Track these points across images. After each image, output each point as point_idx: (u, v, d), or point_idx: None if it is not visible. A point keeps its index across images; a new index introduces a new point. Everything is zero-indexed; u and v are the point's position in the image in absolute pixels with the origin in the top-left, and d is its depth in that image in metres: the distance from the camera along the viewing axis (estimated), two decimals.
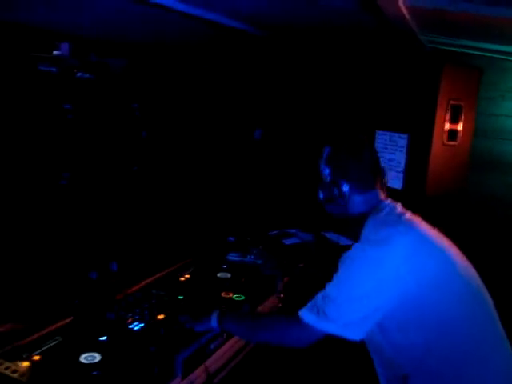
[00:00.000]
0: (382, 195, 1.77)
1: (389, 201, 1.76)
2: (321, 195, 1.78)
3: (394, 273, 1.52)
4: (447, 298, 1.56)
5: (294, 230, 3.40)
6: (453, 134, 2.92)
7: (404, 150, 2.85)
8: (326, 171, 1.74)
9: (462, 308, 1.58)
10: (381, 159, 2.90)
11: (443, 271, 1.58)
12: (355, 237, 1.66)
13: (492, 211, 3.24)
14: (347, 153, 1.74)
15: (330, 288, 1.60)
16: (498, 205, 3.23)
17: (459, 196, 3.13)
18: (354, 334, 1.56)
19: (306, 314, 1.61)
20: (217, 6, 2.33)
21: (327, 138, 1.80)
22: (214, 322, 1.89)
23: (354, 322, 1.55)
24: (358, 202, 1.72)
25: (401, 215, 1.68)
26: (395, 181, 2.89)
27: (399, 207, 1.73)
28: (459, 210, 3.12)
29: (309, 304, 1.63)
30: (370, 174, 1.75)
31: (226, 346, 2.07)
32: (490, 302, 1.66)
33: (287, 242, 3.23)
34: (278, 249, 3.06)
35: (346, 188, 1.70)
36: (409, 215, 1.69)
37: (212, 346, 1.98)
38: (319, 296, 1.61)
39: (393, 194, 2.83)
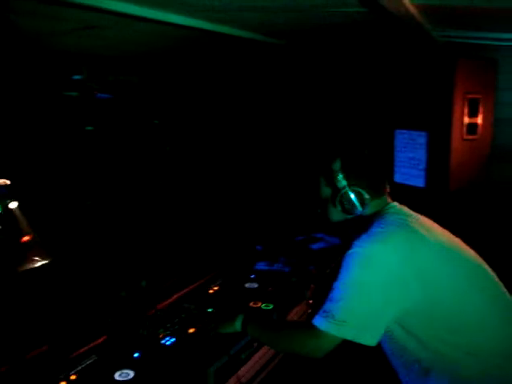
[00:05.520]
0: (389, 199, 1.82)
1: (394, 203, 1.80)
2: (336, 203, 1.77)
3: (389, 267, 1.54)
4: (453, 286, 1.58)
5: (320, 235, 3.39)
6: (472, 127, 2.90)
7: (424, 147, 2.84)
8: (341, 182, 1.74)
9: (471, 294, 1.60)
10: (401, 158, 2.93)
11: (442, 263, 1.60)
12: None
13: None
14: (361, 161, 1.78)
15: (334, 290, 1.62)
16: None
17: (483, 188, 3.10)
18: (367, 338, 1.56)
19: (317, 320, 1.62)
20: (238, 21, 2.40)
21: (336, 147, 1.81)
22: (238, 325, 1.93)
23: (365, 323, 1.56)
24: (370, 207, 1.75)
25: (400, 216, 1.71)
26: (417, 179, 2.87)
27: (403, 209, 1.77)
28: (483, 202, 3.08)
29: (320, 309, 1.64)
30: (381, 179, 1.80)
31: (257, 356, 2.10)
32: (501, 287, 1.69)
33: (314, 246, 3.23)
34: (305, 254, 3.06)
35: (364, 193, 1.72)
36: (410, 217, 1.72)
37: (243, 356, 2.00)
38: (327, 299, 1.63)
39: (415, 192, 2.84)
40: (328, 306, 1.61)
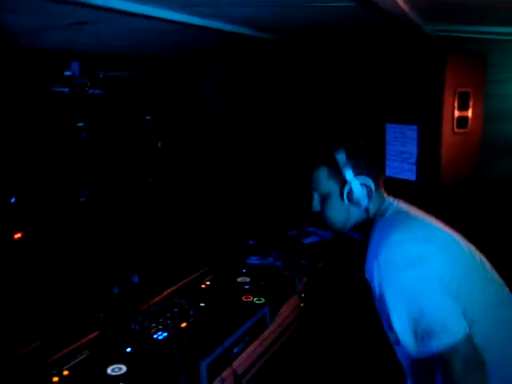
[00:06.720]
0: (385, 193, 1.77)
1: (391, 198, 1.76)
2: (344, 197, 1.68)
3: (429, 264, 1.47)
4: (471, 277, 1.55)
5: (313, 229, 3.41)
6: (462, 121, 2.91)
7: (415, 141, 2.85)
8: (348, 174, 1.67)
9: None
10: (392, 152, 2.94)
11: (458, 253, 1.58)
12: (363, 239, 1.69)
13: (508, 195, 3.19)
14: (364, 153, 1.73)
15: (401, 314, 1.47)
16: None
17: (474, 182, 3.11)
18: (459, 328, 1.40)
19: (414, 353, 1.47)
20: (230, 16, 2.39)
21: (334, 142, 1.75)
22: None
23: (450, 319, 1.42)
24: (374, 199, 1.70)
25: (405, 214, 1.67)
26: (408, 173, 2.88)
27: (402, 204, 1.73)
28: (474, 196, 3.10)
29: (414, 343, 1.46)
30: (380, 172, 1.76)
31: (250, 349, 2.11)
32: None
33: (306, 240, 3.25)
34: (298, 248, 3.08)
35: (371, 185, 1.67)
36: (412, 212, 1.69)
37: (236, 350, 2.01)
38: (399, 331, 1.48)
39: (407, 185, 2.85)
40: (416, 327, 1.44)
